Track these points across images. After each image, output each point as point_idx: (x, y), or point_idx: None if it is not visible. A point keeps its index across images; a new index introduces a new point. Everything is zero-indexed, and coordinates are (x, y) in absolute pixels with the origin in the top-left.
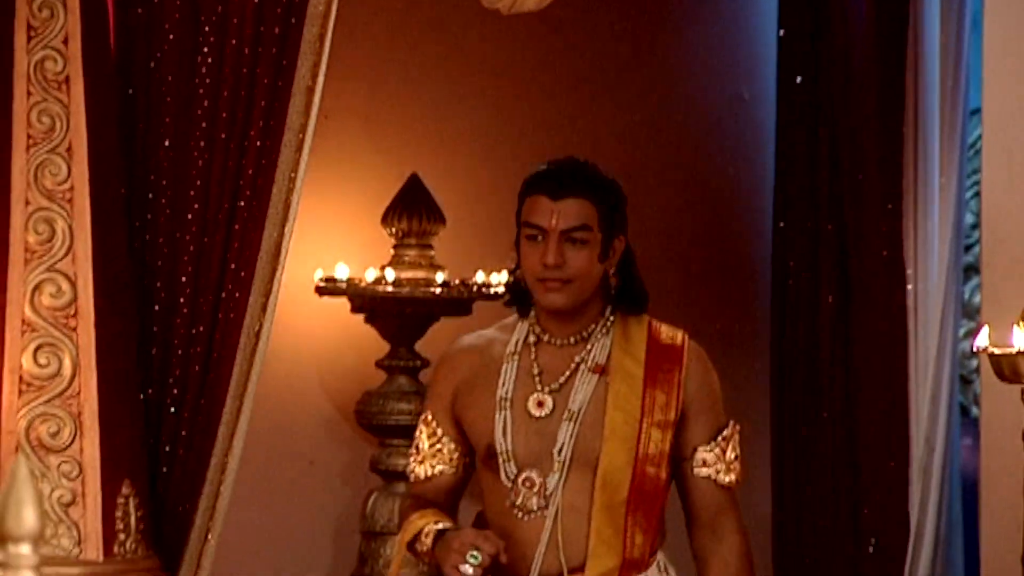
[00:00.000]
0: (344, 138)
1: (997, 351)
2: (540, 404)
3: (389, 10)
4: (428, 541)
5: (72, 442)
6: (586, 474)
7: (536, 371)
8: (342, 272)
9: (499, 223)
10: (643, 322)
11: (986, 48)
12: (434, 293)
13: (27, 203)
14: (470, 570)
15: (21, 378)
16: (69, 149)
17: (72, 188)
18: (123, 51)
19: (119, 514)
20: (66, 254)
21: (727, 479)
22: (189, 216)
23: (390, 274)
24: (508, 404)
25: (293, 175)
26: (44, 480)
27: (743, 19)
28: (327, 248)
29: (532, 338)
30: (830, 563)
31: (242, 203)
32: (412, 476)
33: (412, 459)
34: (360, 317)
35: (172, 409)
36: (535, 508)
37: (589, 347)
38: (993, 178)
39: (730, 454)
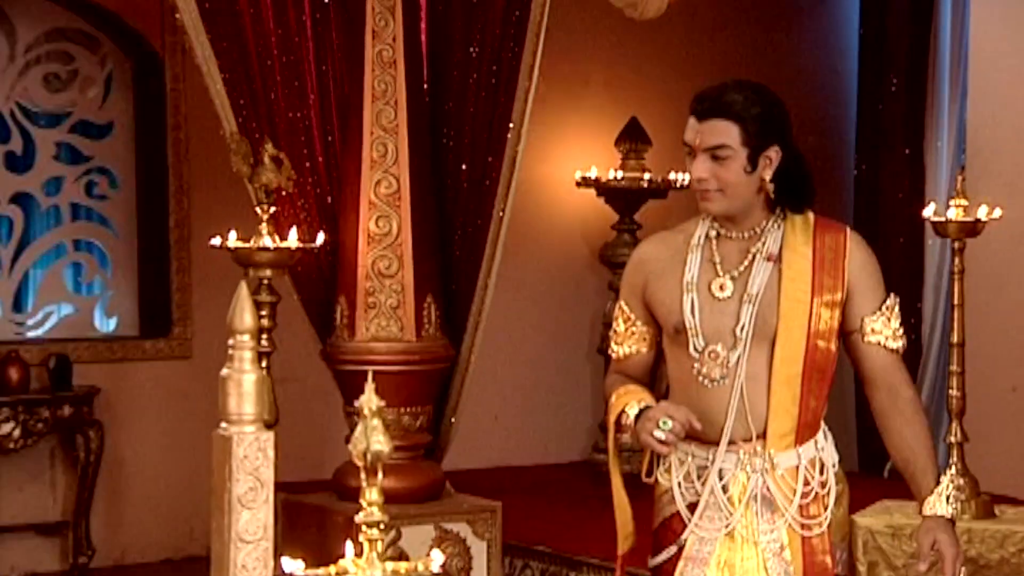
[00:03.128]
0: (595, 95)
1: (935, 219)
2: (722, 287)
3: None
4: (631, 418)
5: (397, 272)
6: (764, 348)
7: (717, 260)
8: (592, 173)
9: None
10: (809, 218)
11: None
12: (643, 185)
13: (372, 134)
14: (662, 435)
15: (368, 235)
16: (395, 103)
17: (398, 125)
18: (429, 44)
19: (425, 314)
20: (394, 163)
21: (895, 344)
22: (466, 141)
23: (619, 174)
24: (694, 287)
25: (521, 118)
26: (382, 293)
27: (836, 22)
28: (582, 158)
29: (713, 232)
30: None
31: (494, 132)
32: (614, 355)
33: (613, 341)
34: (602, 199)
35: (457, 253)
36: (718, 377)
37: (763, 240)
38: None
39: (894, 322)
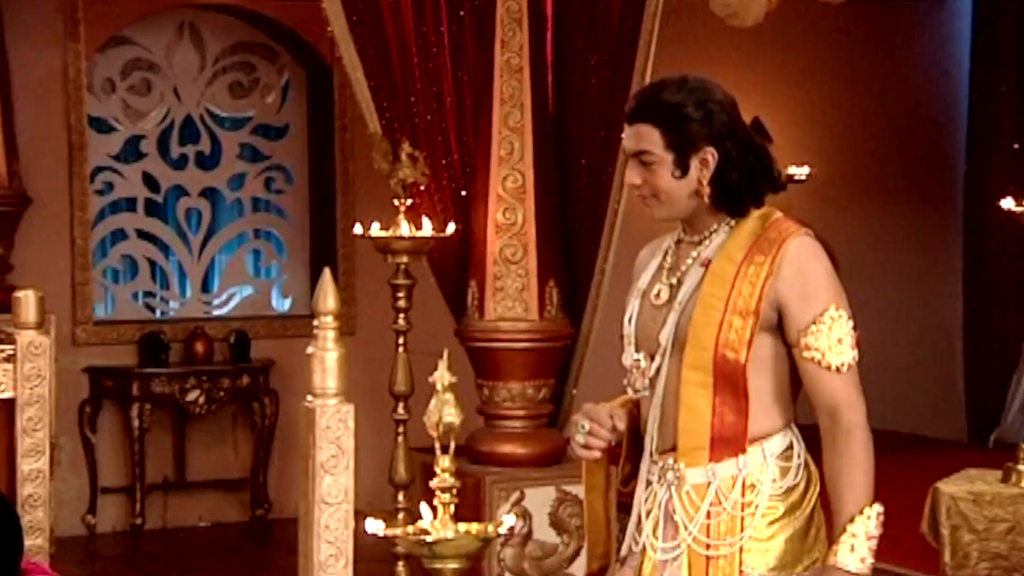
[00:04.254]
0: None
1: (1015, 209)
2: (658, 294)
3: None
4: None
5: (522, 258)
6: (681, 357)
7: (667, 266)
8: None
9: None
10: (767, 220)
11: None
12: None
13: (500, 134)
14: (580, 438)
15: (496, 225)
16: (521, 106)
17: (523, 126)
18: (554, 52)
19: (547, 296)
20: (520, 160)
21: (835, 360)
22: (585, 140)
23: None
24: (640, 295)
25: None
26: (508, 278)
27: (949, 28)
28: None
29: (677, 237)
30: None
31: (611, 132)
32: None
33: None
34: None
35: (576, 242)
36: (640, 388)
37: (706, 244)
38: None
39: (835, 335)
